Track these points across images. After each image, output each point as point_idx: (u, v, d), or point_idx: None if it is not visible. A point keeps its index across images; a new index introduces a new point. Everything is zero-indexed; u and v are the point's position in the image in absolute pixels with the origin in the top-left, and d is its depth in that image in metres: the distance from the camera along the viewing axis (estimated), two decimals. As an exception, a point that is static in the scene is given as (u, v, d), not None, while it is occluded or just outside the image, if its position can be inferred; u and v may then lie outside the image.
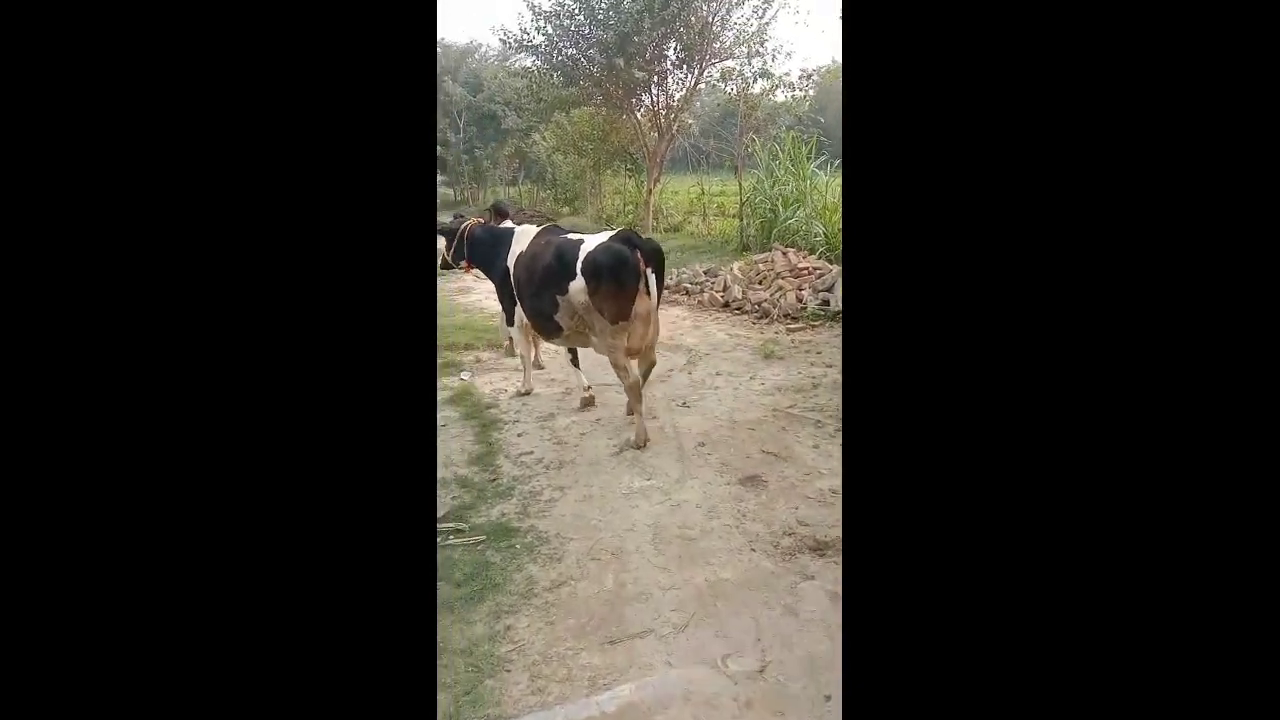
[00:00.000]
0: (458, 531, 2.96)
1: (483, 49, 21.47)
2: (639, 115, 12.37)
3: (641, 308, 3.53)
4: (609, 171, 15.17)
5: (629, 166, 15.01)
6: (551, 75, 11.78)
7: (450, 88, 18.95)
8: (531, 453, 3.80)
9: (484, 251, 4.52)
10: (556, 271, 3.65)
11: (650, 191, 12.28)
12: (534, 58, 11.75)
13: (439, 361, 5.56)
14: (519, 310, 4.21)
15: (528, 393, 4.79)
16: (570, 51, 11.44)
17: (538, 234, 4.13)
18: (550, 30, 11.30)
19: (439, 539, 2.90)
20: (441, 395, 4.82)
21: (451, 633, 2.28)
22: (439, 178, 23.90)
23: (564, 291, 3.63)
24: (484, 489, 3.39)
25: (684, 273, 8.07)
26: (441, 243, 4.66)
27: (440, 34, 19.99)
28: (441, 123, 19.23)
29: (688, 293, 7.54)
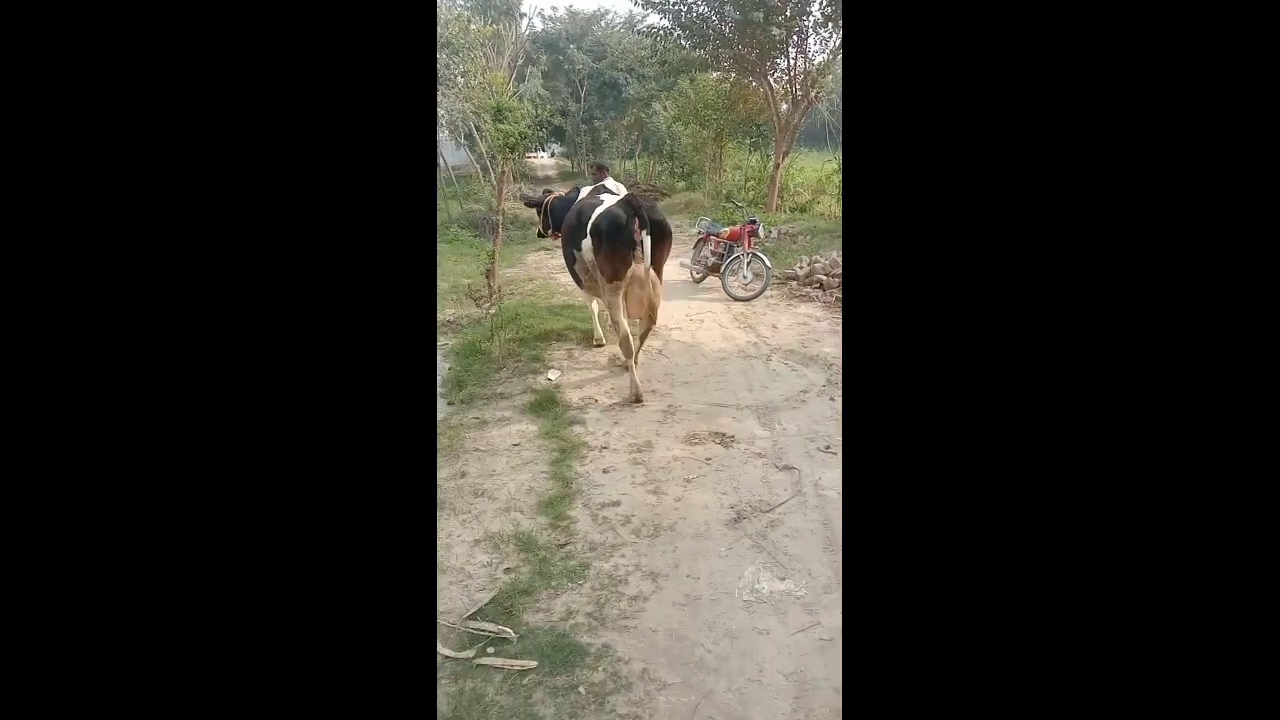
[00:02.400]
0: (502, 641, 1.97)
1: (610, 15, 20.39)
2: (771, 80, 10.86)
3: (637, 271, 3.63)
4: (732, 144, 13.74)
5: (753, 139, 13.49)
6: (679, 35, 10.50)
7: (574, 54, 18.09)
8: (618, 504, 2.76)
9: (560, 219, 4.58)
10: (575, 230, 3.94)
11: (778, 166, 10.81)
12: (663, 16, 10.48)
13: (527, 354, 4.66)
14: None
15: (599, 344, 4.78)
16: (702, 9, 10.10)
17: (587, 194, 4.30)
18: (683, -16, 10.00)
19: (472, 651, 1.93)
20: (523, 399, 3.89)
21: None
22: (557, 148, 23.34)
23: (580, 249, 3.90)
24: (548, 559, 2.39)
25: (817, 261, 6.70)
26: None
27: (569, 2, 19.14)
28: (564, 90, 18.50)
29: (822, 286, 6.19)
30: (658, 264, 3.73)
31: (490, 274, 6.93)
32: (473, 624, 2.05)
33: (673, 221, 11.49)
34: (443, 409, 3.85)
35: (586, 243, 3.79)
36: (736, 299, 6.03)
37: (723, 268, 6.25)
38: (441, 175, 12.14)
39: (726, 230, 6.49)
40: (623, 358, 3.98)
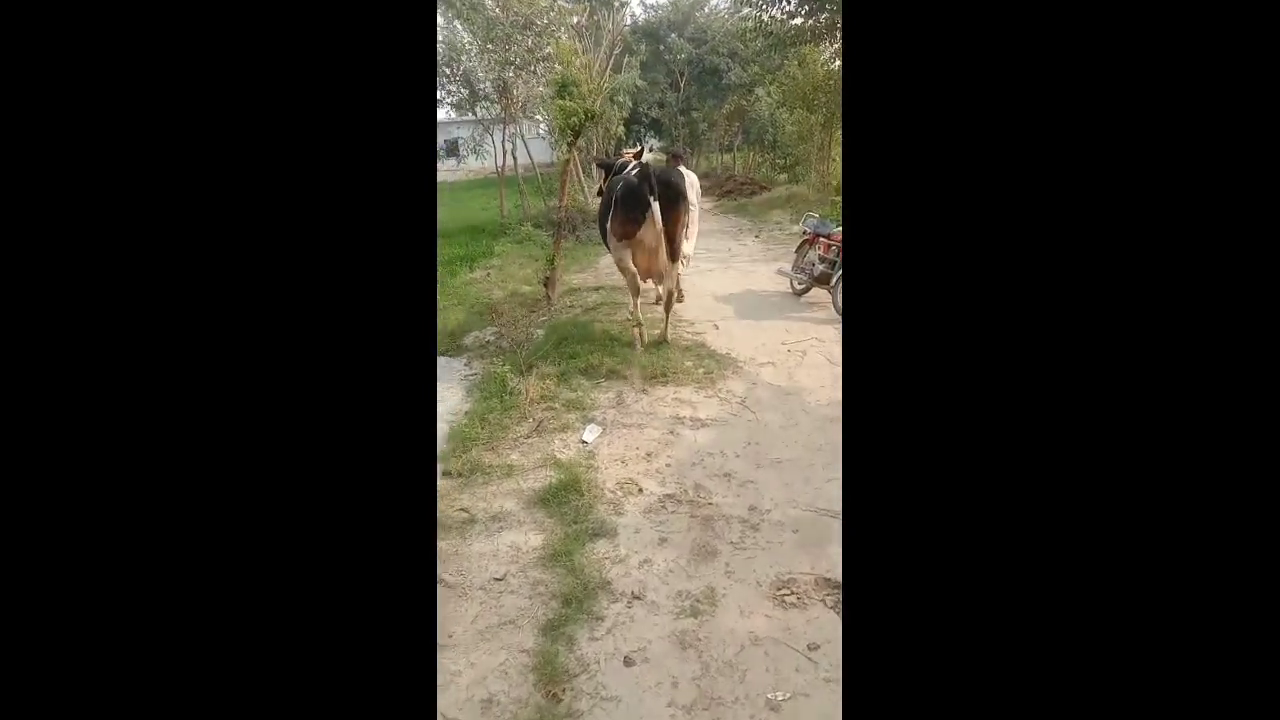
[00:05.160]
0: None
1: (713, 1, 18.72)
2: (897, 53, 8.92)
3: (647, 234, 3.79)
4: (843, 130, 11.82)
5: (869, 125, 11.46)
6: (787, 3, 8.81)
7: (674, 43, 16.66)
8: (636, 769, 1.40)
9: None
10: (605, 203, 4.20)
11: (900, 153, 8.87)
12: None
13: (565, 396, 3.40)
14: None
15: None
16: (816, -32, 8.37)
17: (625, 171, 4.17)
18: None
19: None
20: (539, 478, 2.62)
21: None
22: (655, 142, 22.10)
23: (609, 218, 4.03)
24: None
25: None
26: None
27: (671, -11, 17.75)
28: (663, 82, 17.17)
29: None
30: (672, 225, 3.79)
31: (549, 282, 5.74)
32: None
33: (772, 218, 9.97)
34: (429, 485, 2.65)
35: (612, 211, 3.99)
36: (852, 322, 4.46)
37: (833, 279, 4.69)
38: (523, 173, 11.16)
39: (840, 230, 4.89)
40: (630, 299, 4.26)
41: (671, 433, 3.00)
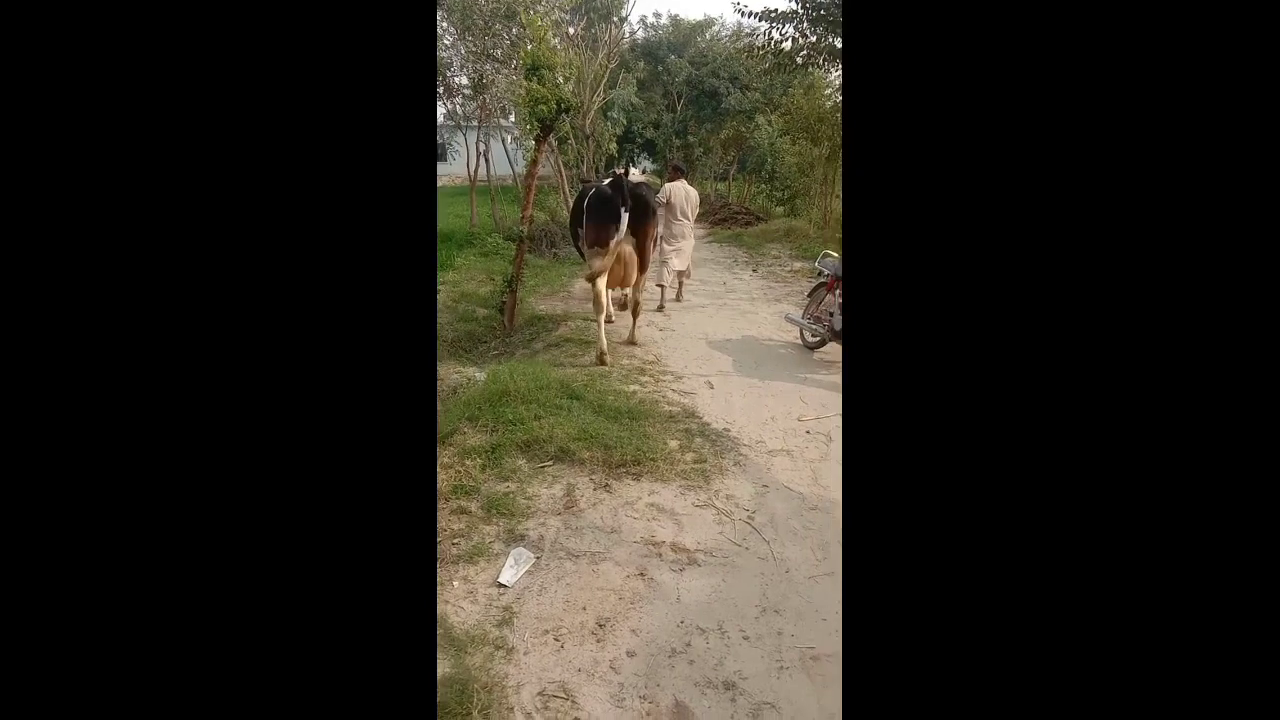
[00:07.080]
0: None
1: (716, 26, 18.06)
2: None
3: (619, 245, 3.82)
4: (848, 165, 11.01)
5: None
6: (804, 24, 7.96)
7: (673, 63, 15.92)
8: None
9: None
10: (576, 209, 4.45)
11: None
12: (782, -3, 7.98)
13: (490, 493, 2.30)
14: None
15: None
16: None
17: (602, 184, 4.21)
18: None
19: None
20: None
21: None
22: (648, 164, 21.30)
23: (581, 225, 4.15)
24: None
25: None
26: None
27: (675, 11, 17.08)
28: (659, 103, 16.40)
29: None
30: (641, 235, 3.93)
31: (506, 309, 4.66)
32: None
33: (770, 252, 9.01)
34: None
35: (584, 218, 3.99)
36: (884, 393, 3.44)
37: (860, 335, 3.67)
38: (500, 181, 10.11)
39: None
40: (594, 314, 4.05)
41: (641, 574, 1.91)
